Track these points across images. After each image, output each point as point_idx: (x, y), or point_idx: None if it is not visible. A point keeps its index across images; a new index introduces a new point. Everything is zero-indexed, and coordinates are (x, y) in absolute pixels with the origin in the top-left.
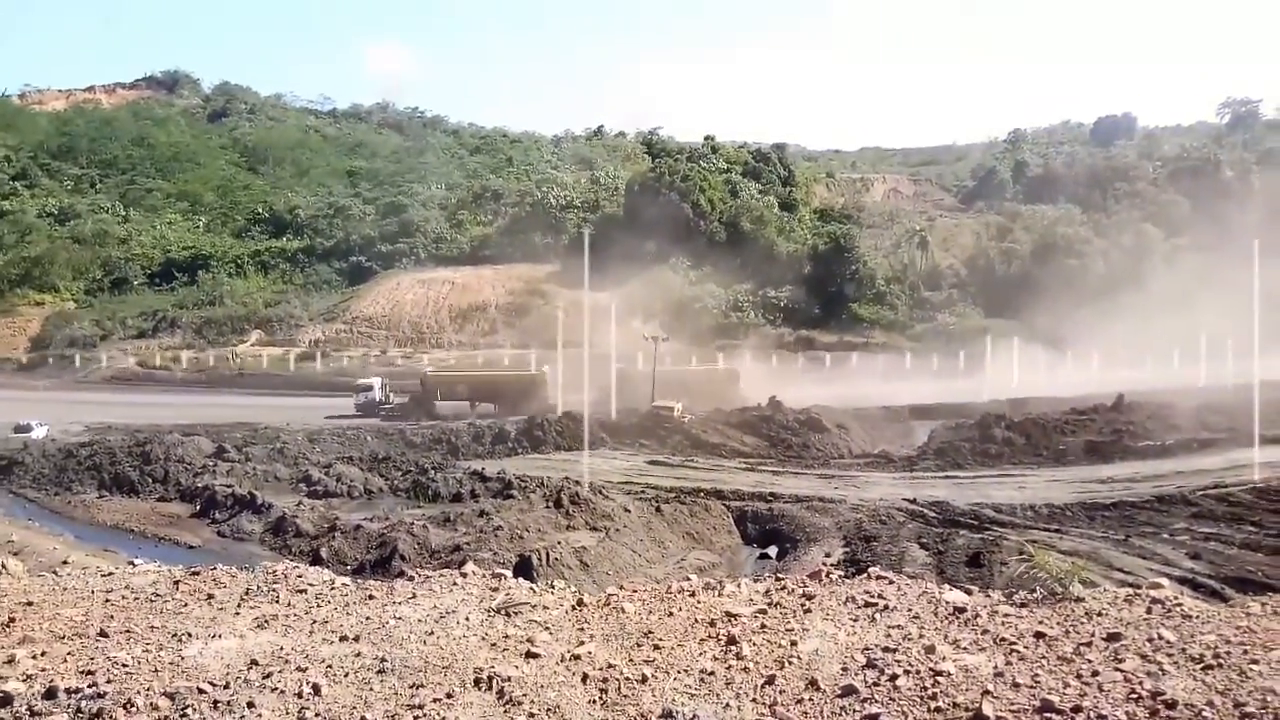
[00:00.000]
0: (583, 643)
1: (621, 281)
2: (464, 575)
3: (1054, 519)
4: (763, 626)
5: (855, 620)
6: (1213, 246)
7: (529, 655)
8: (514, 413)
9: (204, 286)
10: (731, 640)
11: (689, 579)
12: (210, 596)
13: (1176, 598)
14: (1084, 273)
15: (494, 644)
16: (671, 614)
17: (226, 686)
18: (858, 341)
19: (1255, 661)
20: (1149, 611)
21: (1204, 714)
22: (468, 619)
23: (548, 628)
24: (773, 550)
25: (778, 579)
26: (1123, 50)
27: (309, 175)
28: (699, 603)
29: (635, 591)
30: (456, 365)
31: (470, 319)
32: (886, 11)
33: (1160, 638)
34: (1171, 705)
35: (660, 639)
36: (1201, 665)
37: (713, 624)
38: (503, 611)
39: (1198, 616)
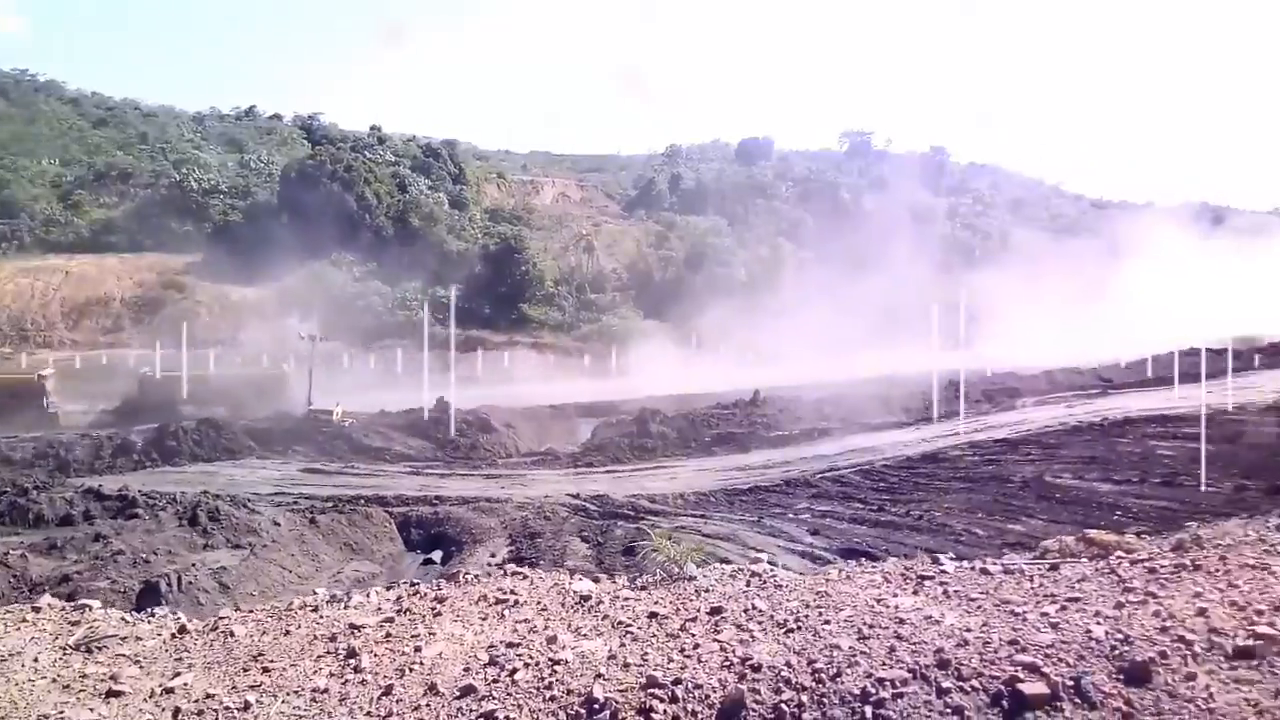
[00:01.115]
0: (179, 674)
1: (277, 276)
2: (36, 610)
3: (700, 505)
4: (387, 636)
5: (485, 619)
6: (832, 259)
7: (110, 694)
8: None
9: None
10: (351, 653)
11: (315, 593)
12: None
13: (773, 570)
14: (730, 280)
15: (67, 686)
16: (288, 632)
17: None
18: (527, 341)
19: (828, 622)
20: (748, 584)
21: (783, 673)
22: (36, 660)
23: (138, 661)
24: (438, 555)
25: (411, 584)
26: (763, 79)
27: None
28: (321, 618)
29: (250, 612)
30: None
31: (88, 314)
32: (558, 20)
33: (754, 608)
34: (757, 668)
35: (272, 660)
36: (784, 629)
37: (333, 639)
38: (82, 647)
39: (787, 585)
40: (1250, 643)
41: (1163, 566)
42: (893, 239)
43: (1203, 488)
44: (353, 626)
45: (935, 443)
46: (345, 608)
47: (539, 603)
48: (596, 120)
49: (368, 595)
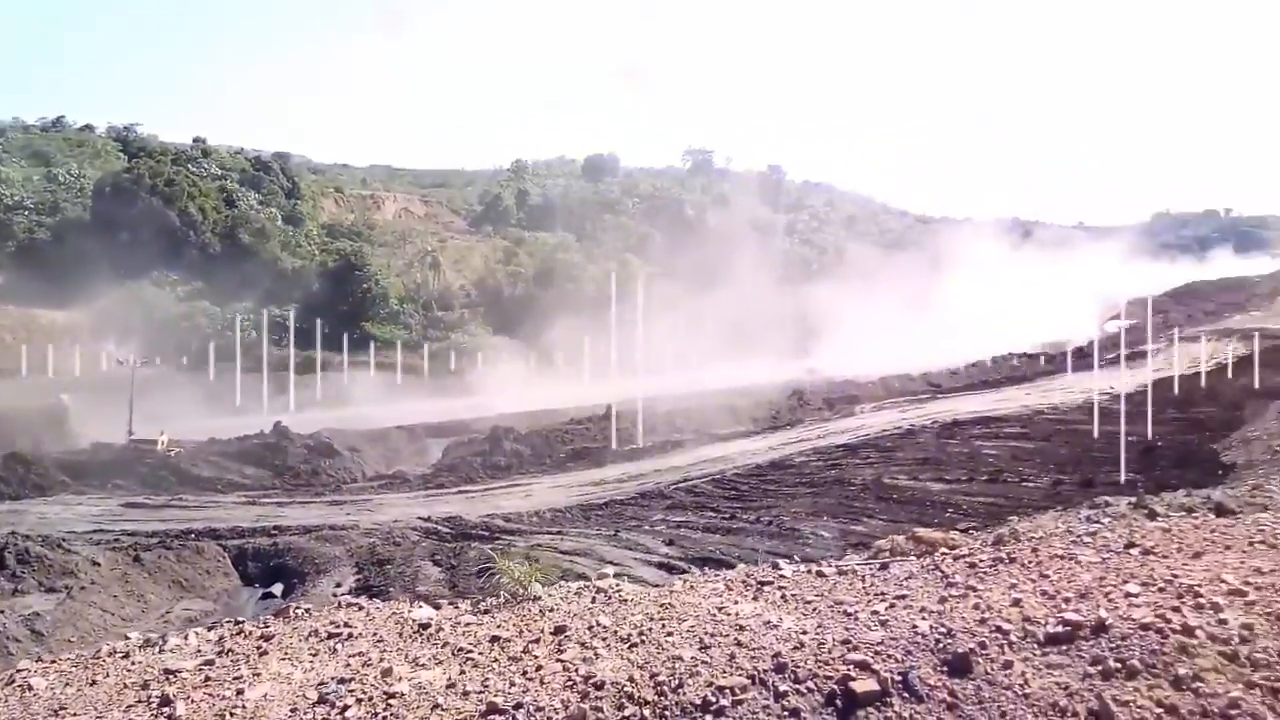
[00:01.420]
0: None
1: (91, 297)
2: None
3: (556, 522)
4: (207, 680)
5: (316, 655)
6: (680, 274)
7: None
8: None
9: None
10: (166, 701)
11: (127, 638)
12: None
13: (618, 585)
14: (579, 295)
15: None
16: (95, 682)
17: None
18: (371, 361)
19: (671, 634)
20: (593, 601)
21: (625, 688)
22: None
23: None
24: (278, 588)
25: (236, 622)
26: (608, 97)
27: None
28: (132, 664)
29: (53, 663)
30: None
31: None
32: (394, 33)
33: (599, 624)
34: (600, 685)
35: (75, 714)
36: (628, 644)
37: (145, 686)
38: None
39: (631, 599)
40: (1060, 629)
41: (982, 561)
42: (736, 254)
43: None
44: (168, 672)
45: (782, 450)
46: (160, 652)
47: (375, 634)
48: (439, 135)
49: (185, 637)
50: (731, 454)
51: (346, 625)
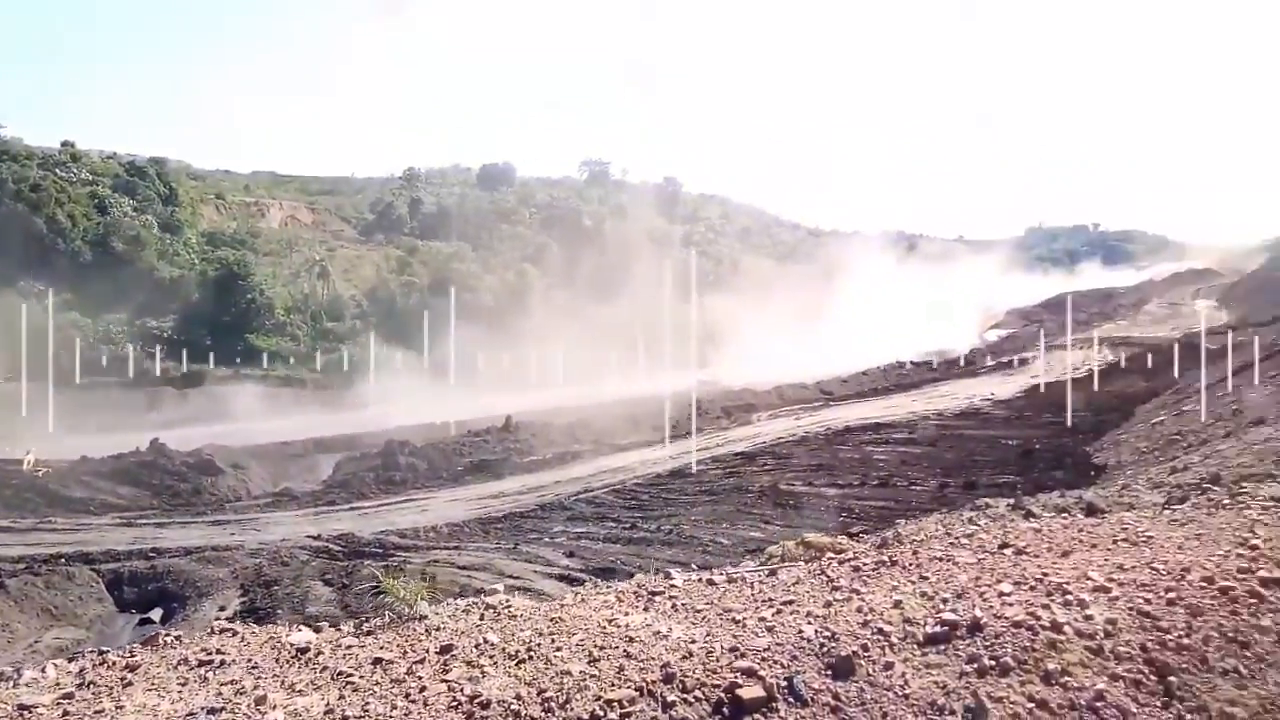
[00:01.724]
0: None
1: None
2: None
3: (454, 536)
4: (65, 715)
5: (185, 684)
6: (578, 284)
7: None
8: None
9: None
10: None
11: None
12: None
13: (507, 601)
14: (476, 305)
15: None
16: None
17: None
18: (256, 373)
19: (560, 649)
20: (481, 618)
21: (512, 706)
22: None
23: None
24: (157, 613)
25: (100, 653)
26: (502, 105)
27: None
28: None
29: None
30: None
31: None
32: (277, 36)
33: (486, 642)
34: (486, 705)
35: None
36: (516, 661)
37: None
38: None
39: (521, 615)
40: (938, 629)
41: (866, 565)
42: (634, 264)
43: (911, 487)
44: (22, 708)
45: (681, 459)
46: (15, 686)
47: (250, 660)
48: (327, 141)
49: (43, 670)
50: (632, 464)
51: (219, 652)
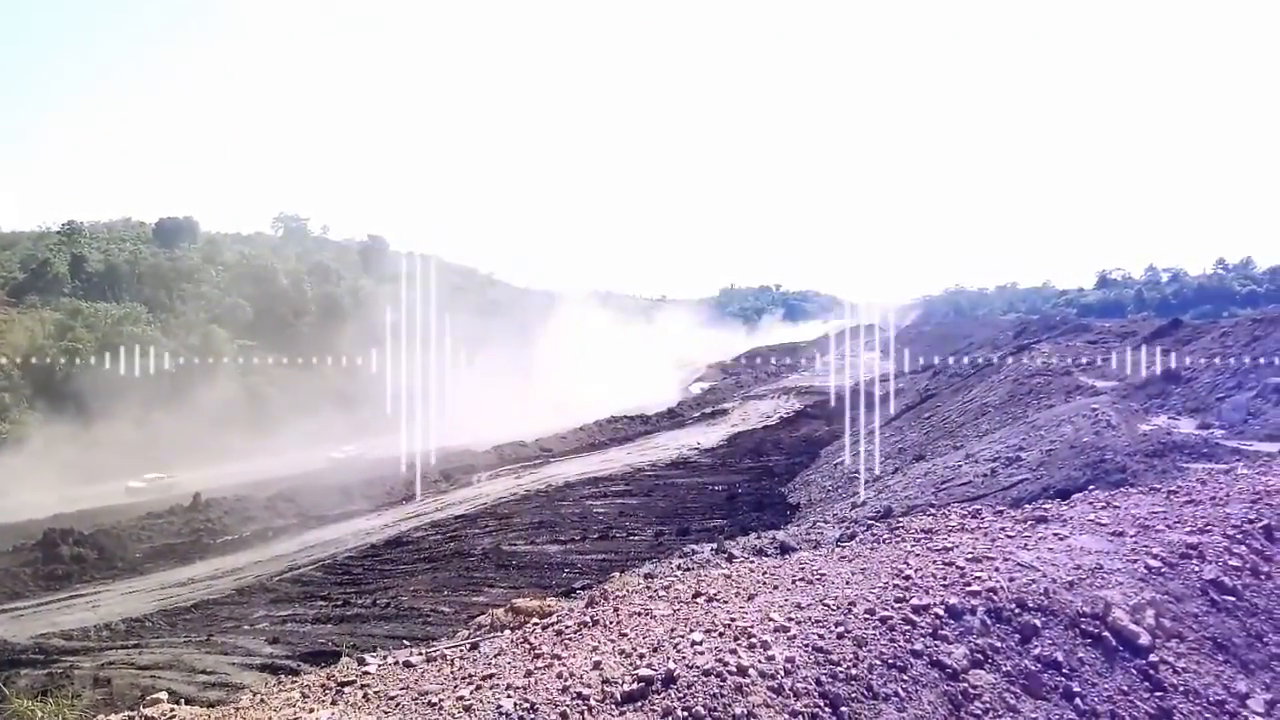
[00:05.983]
0: None
1: None
2: None
3: (133, 633)
4: None
5: None
6: (274, 347)
7: None
8: None
9: None
10: None
11: None
12: None
13: (171, 710)
14: (155, 372)
15: None
16: None
17: None
18: None
19: None
20: None
21: None
22: None
23: None
24: None
25: None
26: (182, 157)
27: None
28: None
29: None
30: None
31: None
32: None
33: None
34: None
35: None
36: None
37: None
38: None
39: None
40: (635, 686)
41: (569, 628)
42: (337, 325)
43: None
44: None
45: (398, 526)
46: None
47: None
48: None
49: None
50: (343, 535)
51: None
